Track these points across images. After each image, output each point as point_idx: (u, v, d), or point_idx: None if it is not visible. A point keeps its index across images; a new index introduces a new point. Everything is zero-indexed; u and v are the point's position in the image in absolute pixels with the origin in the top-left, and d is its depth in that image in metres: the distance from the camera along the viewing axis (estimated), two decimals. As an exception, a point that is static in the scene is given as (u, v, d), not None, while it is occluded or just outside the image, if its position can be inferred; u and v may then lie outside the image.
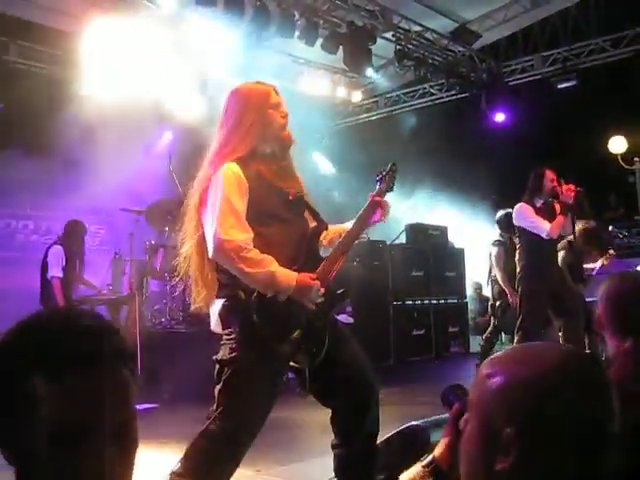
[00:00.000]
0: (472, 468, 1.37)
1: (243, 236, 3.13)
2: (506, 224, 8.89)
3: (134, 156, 11.84)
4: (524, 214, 7.25)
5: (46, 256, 8.77)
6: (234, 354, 3.16)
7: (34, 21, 10.76)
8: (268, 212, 3.28)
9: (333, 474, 3.50)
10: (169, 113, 11.60)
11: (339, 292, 3.45)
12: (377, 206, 3.57)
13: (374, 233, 10.05)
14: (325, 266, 3.35)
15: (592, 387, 1.31)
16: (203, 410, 3.28)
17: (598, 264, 8.27)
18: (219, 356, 3.22)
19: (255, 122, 3.34)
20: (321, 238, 3.53)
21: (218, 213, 3.14)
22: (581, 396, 1.28)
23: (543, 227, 7.04)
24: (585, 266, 8.50)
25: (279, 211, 3.32)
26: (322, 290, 3.23)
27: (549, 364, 1.31)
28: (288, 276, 3.15)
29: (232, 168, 3.22)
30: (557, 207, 7.23)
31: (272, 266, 3.12)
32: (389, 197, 3.74)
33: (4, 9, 10.21)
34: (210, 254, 3.17)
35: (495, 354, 1.42)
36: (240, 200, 3.19)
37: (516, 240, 7.57)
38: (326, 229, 3.56)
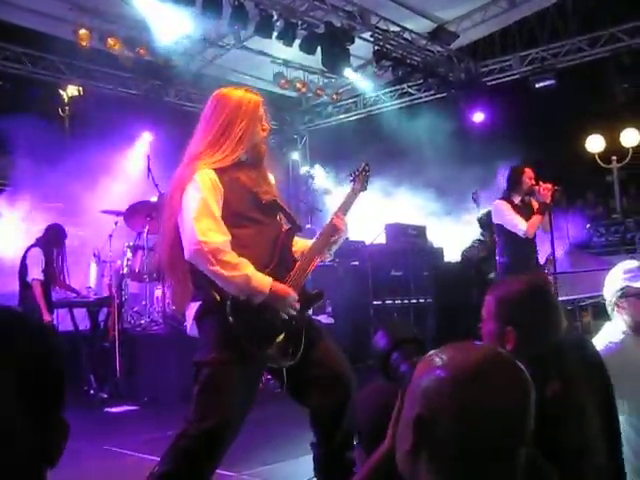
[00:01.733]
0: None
1: (221, 239, 3.13)
2: (487, 223, 8.94)
3: (113, 157, 11.82)
4: (502, 211, 7.28)
5: (25, 258, 8.70)
6: (211, 355, 3.16)
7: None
8: (241, 214, 3.29)
9: (312, 474, 3.50)
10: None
11: (313, 293, 3.48)
12: (337, 228, 3.55)
13: (353, 234, 10.08)
14: (298, 270, 3.38)
15: (508, 384, 1.39)
16: (183, 411, 3.27)
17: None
18: (197, 358, 3.22)
19: (245, 131, 3.35)
20: (295, 247, 3.55)
21: (195, 215, 3.14)
22: (495, 392, 1.37)
23: (520, 225, 7.07)
24: None
25: (252, 214, 3.33)
26: (297, 304, 3.26)
27: (468, 361, 1.40)
28: (263, 282, 3.16)
29: (208, 173, 3.23)
30: (535, 204, 7.27)
31: (248, 270, 3.13)
32: (368, 196, 3.76)
33: None
34: (186, 256, 3.17)
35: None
36: (216, 204, 3.20)
37: (496, 237, 7.61)
38: (299, 231, 3.58)
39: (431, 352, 1.48)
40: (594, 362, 2.60)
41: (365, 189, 3.78)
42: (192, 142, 3.43)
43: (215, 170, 3.26)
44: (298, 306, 3.27)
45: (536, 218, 7.03)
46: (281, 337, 3.24)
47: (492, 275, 9.28)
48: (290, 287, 3.27)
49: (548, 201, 6.97)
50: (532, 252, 7.37)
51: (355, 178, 3.76)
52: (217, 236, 3.13)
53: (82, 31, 10.39)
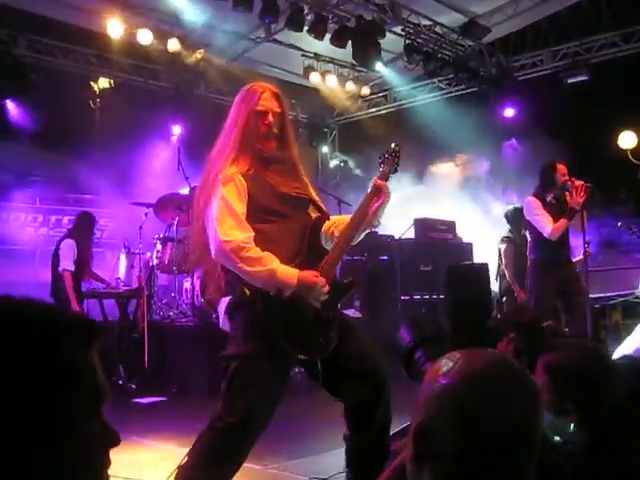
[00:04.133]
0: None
1: (242, 235, 3.16)
2: (515, 219, 8.87)
3: (144, 149, 11.89)
4: (531, 208, 7.25)
5: (58, 249, 8.78)
6: (240, 350, 3.19)
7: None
8: (266, 209, 3.31)
9: (340, 469, 3.51)
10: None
11: (345, 282, 3.46)
12: (379, 191, 3.50)
13: (382, 228, 10.04)
14: (329, 259, 3.35)
15: (517, 392, 1.33)
16: (211, 404, 3.29)
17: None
18: (226, 352, 3.24)
19: (244, 132, 3.38)
20: (327, 229, 3.53)
21: (217, 215, 3.20)
22: (504, 399, 1.31)
23: (545, 226, 7.04)
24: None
25: (278, 207, 3.34)
26: (326, 288, 3.24)
27: (476, 371, 1.35)
28: (289, 274, 3.17)
29: (231, 171, 3.27)
30: (569, 200, 7.21)
31: (273, 264, 3.14)
32: (398, 185, 3.71)
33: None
34: (213, 256, 3.23)
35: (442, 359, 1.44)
36: (239, 202, 3.24)
37: (527, 234, 7.56)
38: (328, 219, 3.55)
39: (441, 358, 1.43)
40: None
41: (396, 171, 3.65)
42: (218, 140, 3.47)
43: (237, 165, 3.29)
44: (327, 290, 3.24)
45: (562, 222, 6.98)
46: (313, 328, 3.24)
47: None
48: (319, 274, 3.26)
49: (578, 208, 6.91)
50: (563, 250, 7.31)
51: (384, 160, 3.64)
52: (238, 234, 3.16)
53: (113, 23, 10.42)
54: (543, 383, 2.39)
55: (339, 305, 3.44)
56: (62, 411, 1.05)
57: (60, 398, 1.04)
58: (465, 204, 12.90)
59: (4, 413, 1.00)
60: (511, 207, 9.32)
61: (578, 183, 6.94)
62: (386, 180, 3.55)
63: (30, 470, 1.01)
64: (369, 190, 3.52)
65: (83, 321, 1.16)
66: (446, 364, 1.39)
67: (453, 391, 1.33)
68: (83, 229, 8.99)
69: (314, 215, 3.49)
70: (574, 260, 7.56)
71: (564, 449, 2.24)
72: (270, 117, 3.41)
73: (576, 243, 7.61)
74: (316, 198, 3.57)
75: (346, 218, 3.58)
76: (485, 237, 11.26)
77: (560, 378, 2.36)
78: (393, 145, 3.70)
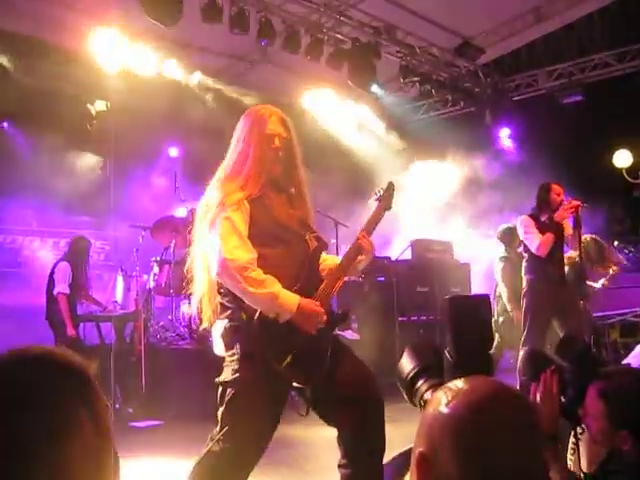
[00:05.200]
0: None
1: (247, 256, 3.16)
2: (508, 238, 8.89)
3: (140, 171, 11.89)
4: (523, 227, 7.30)
5: (53, 272, 8.77)
6: (236, 375, 3.17)
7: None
8: (268, 234, 3.31)
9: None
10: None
11: (340, 312, 3.48)
12: (362, 247, 3.54)
13: (379, 250, 10.04)
14: (326, 288, 3.37)
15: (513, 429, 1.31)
16: (208, 427, 3.27)
17: (599, 284, 8.20)
18: (221, 378, 3.23)
19: (251, 152, 3.39)
20: (322, 264, 3.55)
21: (222, 233, 3.18)
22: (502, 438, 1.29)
23: (534, 242, 7.08)
24: (588, 283, 8.49)
25: (280, 233, 3.35)
26: (325, 317, 3.25)
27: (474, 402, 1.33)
28: (291, 300, 3.17)
29: (238, 196, 3.27)
30: (564, 221, 7.23)
31: (274, 287, 3.14)
32: (394, 211, 3.74)
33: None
34: (213, 274, 3.21)
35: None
36: (242, 223, 3.23)
37: (523, 253, 7.57)
38: (326, 248, 3.58)
39: (443, 387, 1.42)
40: None
41: (390, 208, 3.75)
42: (222, 166, 3.46)
43: (243, 188, 3.29)
44: (325, 320, 3.26)
45: (548, 236, 7.03)
46: (307, 356, 3.23)
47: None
48: (317, 303, 3.27)
49: (562, 220, 6.97)
50: (558, 269, 7.31)
51: (380, 197, 3.73)
52: (243, 254, 3.16)
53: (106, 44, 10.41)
54: (596, 412, 2.37)
55: (333, 333, 3.44)
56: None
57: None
58: (459, 222, 12.91)
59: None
60: (504, 226, 9.33)
61: (575, 203, 6.98)
62: (370, 234, 3.60)
63: None
64: (353, 244, 3.57)
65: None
66: (448, 393, 1.38)
67: (455, 421, 1.32)
68: (77, 252, 8.98)
69: (313, 243, 3.49)
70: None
71: None
72: (277, 141, 3.42)
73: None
74: (315, 228, 3.59)
75: (334, 260, 3.63)
76: (481, 256, 11.27)
77: (617, 404, 2.33)
78: (388, 183, 3.80)
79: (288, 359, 3.17)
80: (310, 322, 3.21)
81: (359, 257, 3.55)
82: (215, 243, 3.20)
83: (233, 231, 3.19)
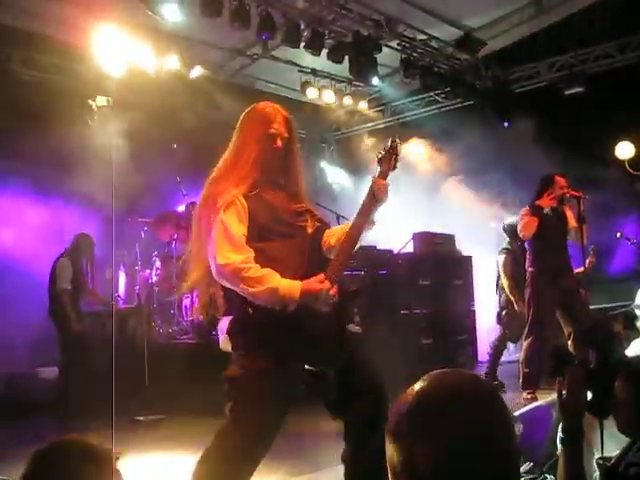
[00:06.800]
0: None
1: (240, 257, 3.16)
2: (513, 231, 8.88)
3: (142, 167, 11.87)
4: (520, 216, 7.32)
5: (54, 269, 8.77)
6: (243, 370, 3.16)
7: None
8: (267, 229, 3.30)
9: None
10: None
11: (352, 290, 3.44)
12: (379, 191, 3.44)
13: (380, 243, 10.04)
14: (334, 265, 3.32)
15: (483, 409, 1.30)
16: (211, 421, 3.28)
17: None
18: (228, 373, 3.22)
19: (254, 155, 3.38)
20: (327, 238, 3.51)
21: (217, 239, 3.19)
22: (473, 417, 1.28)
23: (521, 227, 7.15)
24: None
25: (278, 227, 3.34)
26: (334, 290, 3.21)
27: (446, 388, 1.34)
28: (292, 288, 3.15)
29: (232, 193, 3.26)
30: (568, 213, 7.23)
31: (273, 282, 3.13)
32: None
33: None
34: (215, 278, 3.23)
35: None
36: (239, 225, 3.22)
37: (526, 246, 7.58)
38: (328, 228, 3.54)
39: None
40: None
41: (394, 168, 3.52)
42: (221, 161, 3.45)
43: (239, 186, 3.29)
44: (334, 292, 3.21)
45: (531, 219, 7.10)
46: (323, 336, 3.21)
47: None
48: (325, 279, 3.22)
49: (544, 206, 7.03)
50: (560, 260, 7.31)
51: (382, 158, 3.51)
52: (235, 256, 3.16)
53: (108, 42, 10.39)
54: (623, 400, 2.35)
55: (348, 312, 3.42)
56: None
57: None
58: (463, 215, 12.88)
59: None
60: (511, 219, 9.32)
61: (574, 194, 6.99)
62: (385, 179, 3.48)
63: None
64: (368, 190, 3.46)
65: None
66: (410, 392, 1.38)
67: (417, 416, 1.31)
68: (79, 249, 8.96)
69: (313, 226, 3.47)
70: (576, 271, 7.58)
71: (630, 473, 2.23)
72: (279, 141, 3.41)
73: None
74: (315, 211, 3.57)
75: (341, 227, 3.58)
76: (485, 249, 11.26)
77: None
78: (391, 141, 3.57)
79: (298, 350, 3.16)
80: (318, 300, 3.18)
81: (375, 204, 3.42)
82: (211, 247, 3.22)
83: (225, 236, 3.19)
